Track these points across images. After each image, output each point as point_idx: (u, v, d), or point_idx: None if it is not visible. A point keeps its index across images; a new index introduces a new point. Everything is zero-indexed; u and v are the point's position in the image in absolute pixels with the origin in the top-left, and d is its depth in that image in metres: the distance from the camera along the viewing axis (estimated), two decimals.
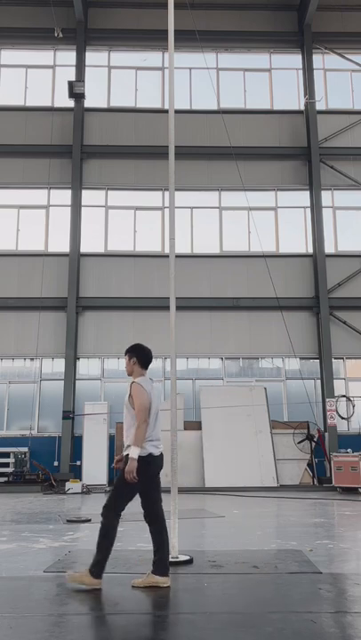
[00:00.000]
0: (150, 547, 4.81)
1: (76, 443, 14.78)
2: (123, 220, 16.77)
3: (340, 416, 15.39)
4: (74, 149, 16.65)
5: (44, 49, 17.81)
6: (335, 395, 15.39)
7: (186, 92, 17.47)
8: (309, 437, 14.37)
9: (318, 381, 15.90)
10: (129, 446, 4.60)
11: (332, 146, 17.03)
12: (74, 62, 17.31)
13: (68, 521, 8.46)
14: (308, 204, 16.88)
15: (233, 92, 17.71)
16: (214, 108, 16.73)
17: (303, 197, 17.01)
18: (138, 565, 5.31)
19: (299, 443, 14.22)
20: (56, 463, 14.93)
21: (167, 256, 7.28)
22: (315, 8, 16.91)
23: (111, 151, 16.92)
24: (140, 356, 4.91)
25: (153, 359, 5.08)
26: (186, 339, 15.16)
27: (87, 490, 12.96)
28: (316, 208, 16.51)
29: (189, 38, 14.90)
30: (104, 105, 17.49)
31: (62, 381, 15.33)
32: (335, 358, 15.86)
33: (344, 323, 16.03)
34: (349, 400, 15.75)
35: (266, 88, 17.83)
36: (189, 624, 3.71)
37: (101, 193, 16.91)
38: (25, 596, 4.41)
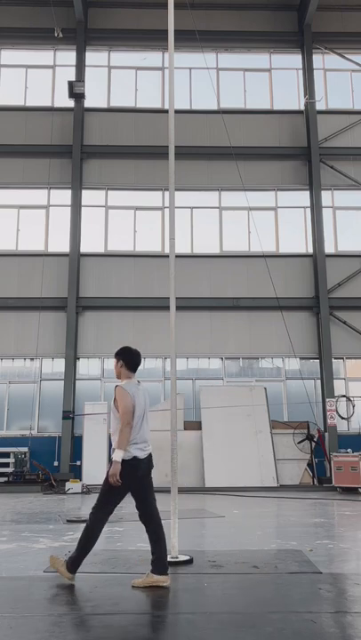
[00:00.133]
0: (149, 546, 4.81)
1: (76, 443, 14.79)
2: (123, 220, 16.77)
3: (340, 416, 15.39)
4: (74, 149, 16.66)
5: (44, 49, 17.81)
6: (335, 395, 15.39)
7: (186, 92, 17.47)
8: (309, 437, 14.37)
9: (318, 381, 15.90)
10: (115, 449, 4.65)
11: (332, 146, 17.03)
12: (74, 62, 17.32)
13: (68, 521, 8.46)
14: (308, 204, 16.88)
15: (233, 92, 17.71)
16: (214, 108, 16.73)
17: (303, 197, 17.01)
18: (138, 565, 5.31)
19: (299, 443, 14.22)
20: (56, 463, 14.93)
21: (167, 256, 7.28)
22: (315, 8, 16.91)
23: (111, 151, 16.93)
24: (126, 359, 4.93)
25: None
26: (186, 339, 15.16)
27: (87, 490, 12.96)
28: (316, 208, 16.51)
29: (189, 38, 14.89)
30: (104, 105, 17.49)
31: (62, 381, 15.33)
32: (335, 358, 15.86)
33: (344, 323, 16.03)
34: (349, 400, 15.75)
35: (266, 88, 17.83)
36: (189, 624, 3.71)
37: (101, 193, 16.91)
38: (25, 596, 4.41)
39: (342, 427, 15.47)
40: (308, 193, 16.95)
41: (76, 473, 14.25)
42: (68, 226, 16.30)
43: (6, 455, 14.78)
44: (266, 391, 14.68)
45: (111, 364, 15.70)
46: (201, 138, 17.05)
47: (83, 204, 16.62)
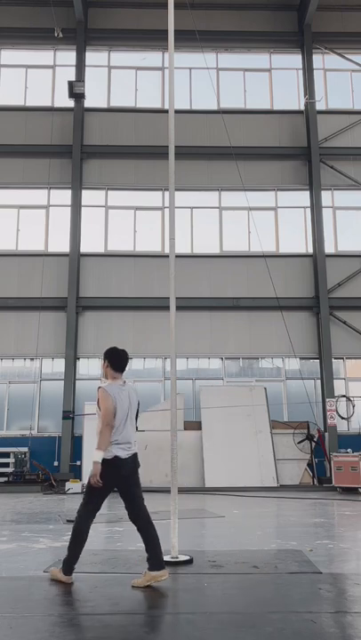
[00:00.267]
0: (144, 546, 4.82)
1: (76, 443, 14.78)
2: (123, 220, 16.77)
3: (340, 416, 15.39)
4: (74, 149, 16.66)
5: (44, 49, 17.81)
6: (335, 395, 15.39)
7: (186, 92, 17.47)
8: (309, 437, 14.37)
9: (318, 381, 15.90)
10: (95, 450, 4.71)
11: (332, 146, 17.03)
12: (74, 62, 17.32)
13: (68, 521, 8.46)
14: (308, 204, 16.88)
15: (233, 92, 17.71)
16: (214, 108, 16.72)
17: (303, 197, 17.01)
18: (138, 565, 5.31)
19: (299, 443, 14.22)
20: (56, 463, 14.93)
21: (167, 256, 7.27)
22: (315, 8, 16.91)
23: (111, 151, 16.93)
24: (111, 359, 4.95)
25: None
26: (186, 339, 15.16)
27: None
28: (316, 208, 16.52)
29: (189, 38, 14.89)
30: (104, 105, 17.49)
31: (62, 381, 15.33)
32: (335, 358, 15.86)
33: (344, 323, 16.03)
34: (349, 400, 15.75)
35: (266, 88, 17.83)
36: (189, 624, 3.71)
37: (101, 193, 16.91)
38: (25, 596, 4.41)
39: (342, 427, 15.47)
40: (308, 193, 16.95)
41: (76, 473, 14.25)
42: (68, 226, 16.30)
43: (6, 455, 14.79)
44: (266, 391, 14.68)
45: None
46: (201, 138, 17.05)
47: (83, 204, 16.63)
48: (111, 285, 16.19)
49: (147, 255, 16.40)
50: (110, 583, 4.73)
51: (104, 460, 4.62)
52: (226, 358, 16.10)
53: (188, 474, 13.47)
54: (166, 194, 16.75)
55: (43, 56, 17.85)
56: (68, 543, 4.78)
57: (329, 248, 16.48)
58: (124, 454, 4.72)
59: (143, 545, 4.78)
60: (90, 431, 14.25)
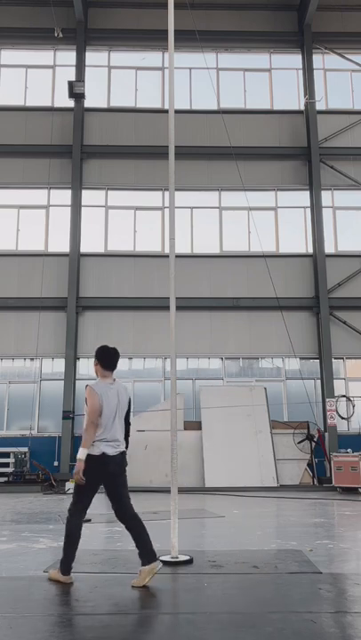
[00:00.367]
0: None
1: (76, 443, 14.76)
2: (123, 220, 16.77)
3: (340, 416, 15.39)
4: (74, 149, 16.66)
5: (44, 49, 17.81)
6: (335, 395, 15.39)
7: (186, 92, 17.47)
8: (309, 437, 14.37)
9: (318, 381, 15.90)
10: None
11: (332, 146, 17.03)
12: (74, 62, 17.32)
13: None
14: (308, 204, 16.88)
15: (233, 92, 17.71)
16: (214, 108, 16.73)
17: (303, 197, 17.01)
18: (138, 565, 5.29)
19: (299, 443, 14.22)
20: (56, 463, 14.93)
21: (167, 256, 7.28)
22: (315, 8, 16.91)
23: (111, 151, 16.93)
24: (100, 358, 4.98)
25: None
26: (186, 339, 15.16)
27: None
28: (316, 208, 16.52)
29: (189, 38, 14.89)
30: (104, 105, 17.49)
31: (62, 381, 15.33)
32: (335, 358, 15.86)
33: (344, 323, 16.03)
34: (349, 400, 15.75)
35: (266, 88, 17.83)
36: (189, 624, 3.71)
37: (101, 193, 16.91)
38: (25, 596, 4.41)
39: (342, 427, 15.46)
40: (308, 193, 16.95)
41: None
42: (68, 226, 16.30)
43: (6, 455, 14.78)
44: (266, 391, 14.68)
45: None
46: (201, 138, 17.05)
47: (83, 204, 16.63)
48: (111, 285, 16.19)
49: (147, 255, 16.40)
50: (110, 583, 4.73)
51: (91, 457, 4.65)
52: (226, 358, 16.10)
53: (188, 474, 13.46)
54: (166, 194, 16.75)
55: (43, 56, 17.85)
56: (63, 542, 4.80)
57: (329, 248, 16.48)
58: (111, 451, 4.73)
59: (137, 547, 4.78)
60: None
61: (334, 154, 16.95)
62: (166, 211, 16.67)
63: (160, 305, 15.16)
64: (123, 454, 4.84)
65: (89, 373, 15.85)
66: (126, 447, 5.03)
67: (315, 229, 16.46)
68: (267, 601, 4.20)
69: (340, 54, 17.69)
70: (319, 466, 14.60)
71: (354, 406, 15.72)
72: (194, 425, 14.38)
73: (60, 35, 17.11)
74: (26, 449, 14.87)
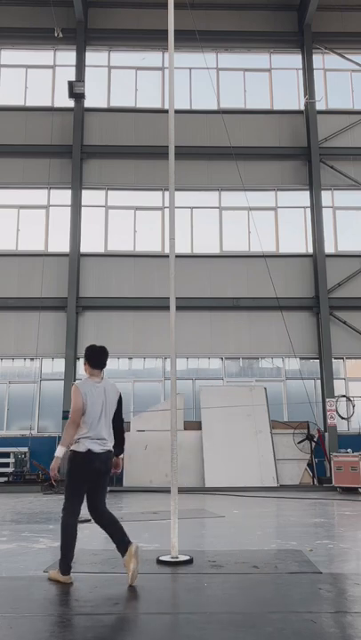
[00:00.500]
0: (149, 546, 4.83)
1: None
2: (123, 220, 16.77)
3: (340, 416, 15.39)
4: (74, 149, 16.66)
5: (44, 49, 17.82)
6: (335, 395, 15.39)
7: (186, 92, 17.47)
8: (309, 437, 14.37)
9: (318, 381, 15.91)
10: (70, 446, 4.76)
11: (332, 146, 17.03)
12: (74, 62, 17.32)
13: None
14: (308, 204, 16.89)
15: (233, 92, 17.71)
16: (214, 108, 16.73)
17: (303, 197, 17.01)
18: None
19: (299, 443, 14.22)
20: None
21: (167, 256, 7.28)
22: (315, 8, 16.92)
23: (111, 151, 16.93)
24: (88, 357, 5.00)
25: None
26: (186, 339, 15.15)
27: None
28: (316, 208, 16.52)
29: (189, 38, 14.90)
30: (104, 105, 17.49)
31: (62, 381, 15.33)
32: (335, 358, 15.86)
33: (344, 323, 16.04)
34: (349, 400, 15.75)
35: (266, 88, 17.83)
36: (189, 624, 3.71)
37: (101, 193, 16.92)
38: (25, 596, 4.41)
39: (342, 427, 15.47)
40: (308, 193, 16.95)
41: None
42: (68, 226, 16.31)
43: (6, 455, 14.79)
44: (266, 391, 14.68)
45: (111, 364, 15.74)
46: (201, 138, 17.05)
47: (83, 204, 16.63)
48: (111, 285, 16.19)
49: (147, 255, 16.40)
50: (110, 583, 4.72)
51: (77, 454, 4.66)
52: (226, 358, 16.10)
53: (188, 474, 13.47)
54: (166, 194, 16.75)
55: (43, 56, 17.85)
56: (60, 542, 4.79)
57: (329, 248, 16.48)
58: (98, 448, 4.73)
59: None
60: None
61: (334, 154, 16.95)
62: (166, 211, 16.67)
63: (160, 305, 15.17)
64: (109, 453, 4.84)
65: None
66: (122, 452, 5.02)
67: (315, 229, 16.46)
68: (267, 601, 4.20)
69: (340, 54, 17.69)
70: (319, 466, 14.60)
71: (354, 406, 15.72)
72: (194, 425, 14.38)
73: (60, 35, 17.11)
74: (26, 449, 14.88)
